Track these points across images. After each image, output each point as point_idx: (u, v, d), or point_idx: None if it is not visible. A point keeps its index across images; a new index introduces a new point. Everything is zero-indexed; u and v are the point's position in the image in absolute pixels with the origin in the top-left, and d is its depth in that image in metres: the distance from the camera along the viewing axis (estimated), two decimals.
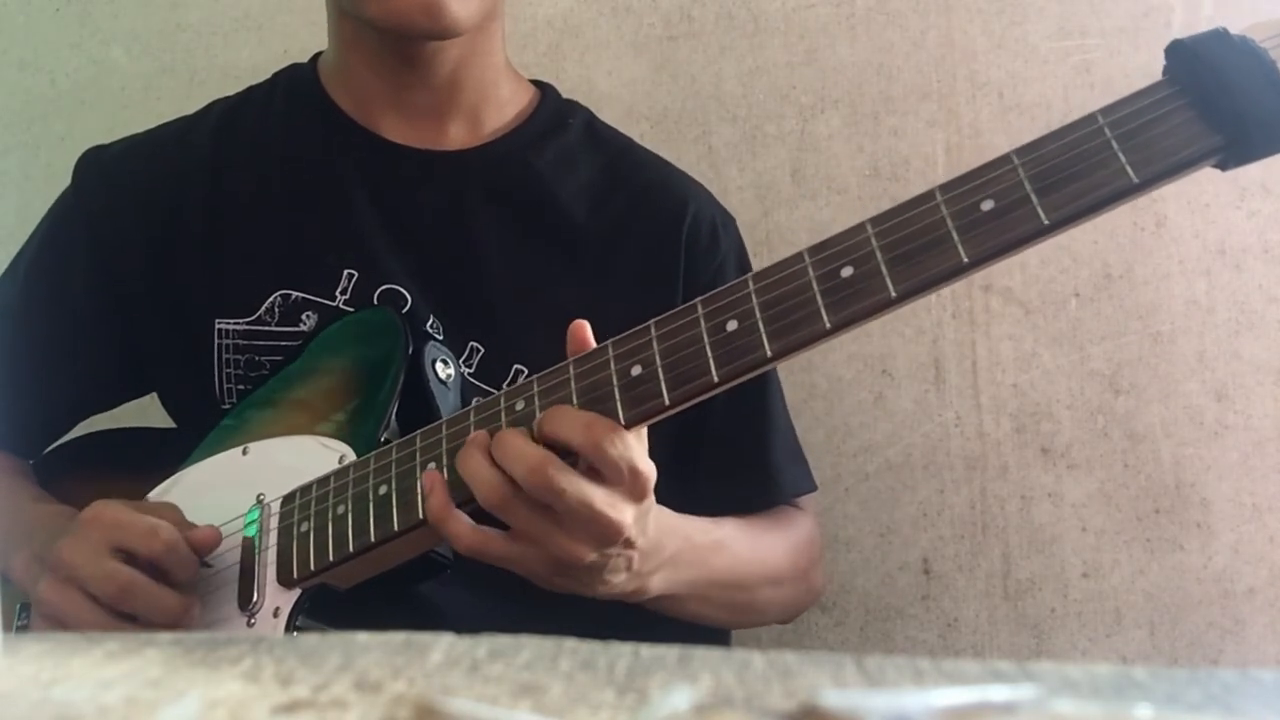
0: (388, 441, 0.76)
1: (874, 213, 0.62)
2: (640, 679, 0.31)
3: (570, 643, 0.34)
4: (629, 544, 0.69)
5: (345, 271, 0.90)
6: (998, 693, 0.30)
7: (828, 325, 0.61)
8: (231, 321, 0.91)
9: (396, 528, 0.72)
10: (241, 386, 0.91)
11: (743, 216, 1.11)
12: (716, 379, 0.64)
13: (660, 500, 0.72)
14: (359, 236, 0.91)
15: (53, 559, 0.74)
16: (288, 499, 0.79)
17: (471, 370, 0.89)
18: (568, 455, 0.66)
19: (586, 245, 0.93)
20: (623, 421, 0.66)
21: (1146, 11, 1.15)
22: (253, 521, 0.79)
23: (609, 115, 1.05)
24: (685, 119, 1.25)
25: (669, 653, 0.34)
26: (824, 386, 1.21)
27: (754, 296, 0.64)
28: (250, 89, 1.01)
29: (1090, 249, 1.16)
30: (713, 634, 0.97)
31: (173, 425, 0.99)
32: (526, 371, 0.88)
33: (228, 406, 0.90)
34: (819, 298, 0.61)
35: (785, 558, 0.92)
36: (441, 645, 0.34)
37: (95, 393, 0.99)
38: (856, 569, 1.20)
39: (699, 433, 0.90)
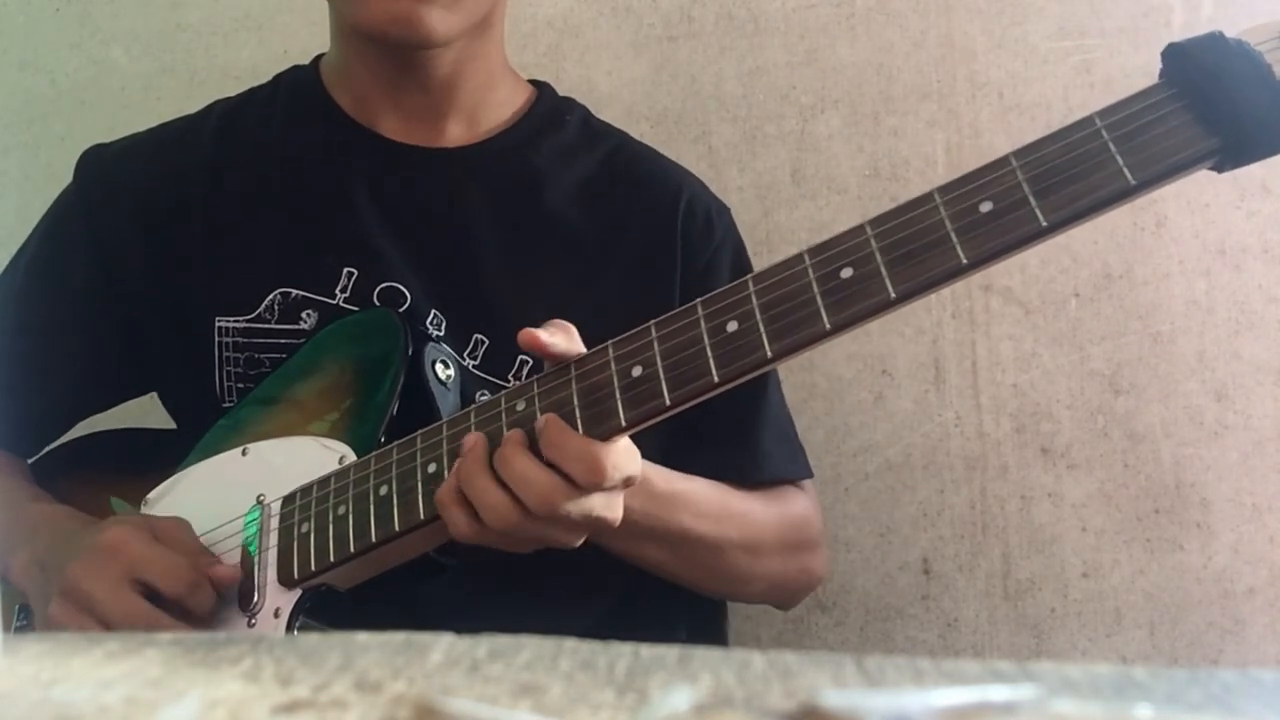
0: (388, 442, 0.76)
1: (874, 213, 0.62)
2: (640, 679, 0.31)
3: (570, 643, 0.34)
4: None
5: (345, 269, 0.90)
6: (998, 693, 0.30)
7: (828, 326, 0.61)
8: (231, 319, 0.91)
9: (397, 528, 0.72)
10: (241, 385, 0.91)
11: (743, 216, 1.11)
12: (717, 379, 0.64)
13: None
14: (359, 234, 0.92)
15: (68, 584, 0.74)
16: (288, 500, 0.79)
17: (477, 362, 0.90)
18: None
19: (584, 237, 0.94)
20: (623, 423, 0.66)
21: (1146, 11, 1.15)
22: (253, 522, 0.79)
23: (609, 115, 1.05)
24: (685, 119, 1.25)
25: (669, 653, 0.34)
26: (824, 386, 1.21)
27: (754, 297, 0.64)
28: (252, 90, 1.01)
29: (1090, 249, 1.16)
30: (712, 634, 0.97)
31: (172, 427, 0.99)
32: (531, 362, 0.89)
33: (228, 405, 0.91)
34: (819, 299, 0.62)
35: (766, 527, 0.91)
36: (441, 645, 0.34)
37: (95, 391, 0.99)
38: (856, 569, 1.20)
39: (694, 413, 0.89)
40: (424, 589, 0.81)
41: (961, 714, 0.29)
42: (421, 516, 0.71)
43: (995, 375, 1.18)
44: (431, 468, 0.72)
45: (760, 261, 1.12)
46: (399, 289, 0.90)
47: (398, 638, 0.35)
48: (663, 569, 0.86)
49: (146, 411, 1.04)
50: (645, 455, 0.73)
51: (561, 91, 1.03)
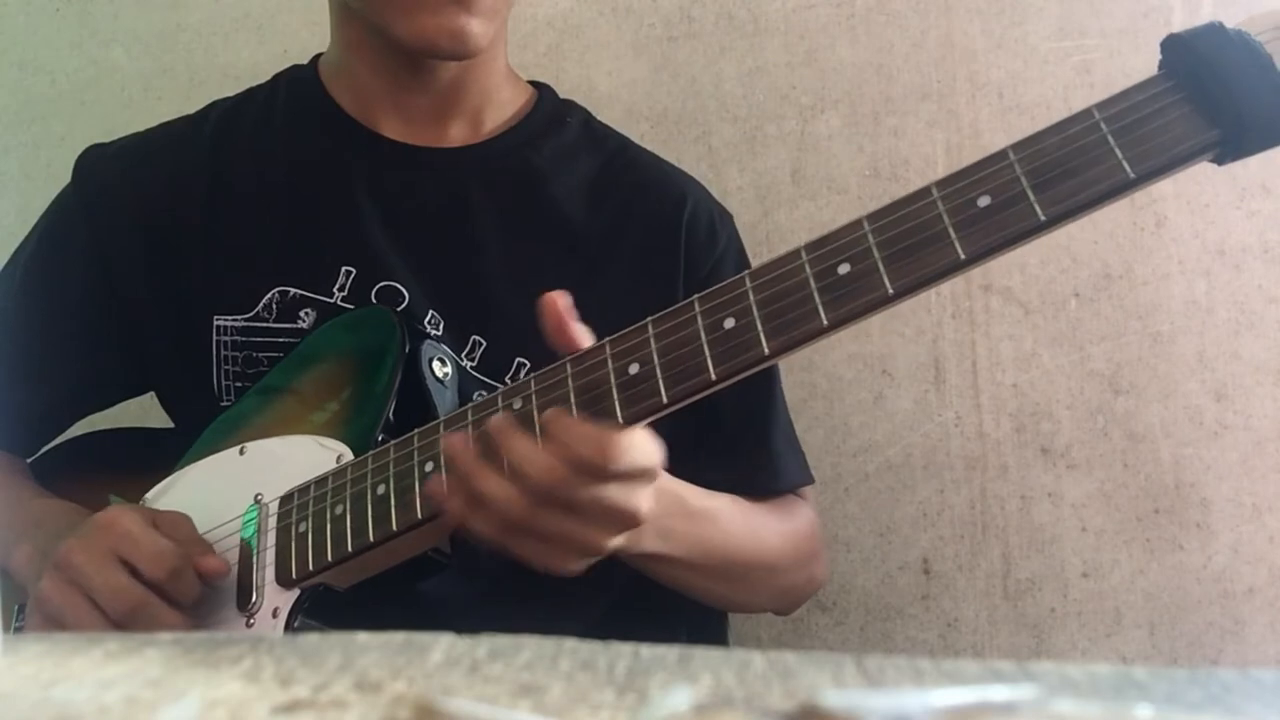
0: (385, 441, 0.76)
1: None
2: (640, 679, 0.31)
3: (570, 643, 0.34)
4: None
5: (343, 268, 0.90)
6: (998, 693, 0.29)
7: (825, 323, 0.61)
8: (229, 318, 0.91)
9: (395, 528, 0.72)
10: (239, 383, 0.91)
11: (743, 216, 1.11)
12: (714, 377, 0.63)
13: None
14: (357, 233, 0.92)
15: (59, 558, 0.74)
16: (285, 499, 0.79)
17: (474, 363, 0.90)
18: None
19: (586, 240, 0.94)
20: (620, 420, 0.66)
21: (1146, 12, 1.15)
22: (250, 521, 0.79)
23: (609, 115, 1.05)
24: (685, 119, 1.25)
25: (669, 653, 0.34)
26: (824, 386, 1.21)
27: (751, 294, 0.64)
28: (251, 90, 1.01)
29: (1090, 249, 1.16)
30: (712, 634, 0.97)
31: (170, 426, 0.99)
32: (528, 364, 0.89)
33: (226, 403, 0.91)
34: (816, 295, 0.61)
35: (783, 544, 0.92)
36: (441, 645, 0.34)
37: (93, 390, 0.99)
38: (856, 569, 1.20)
39: (703, 417, 0.90)
40: (423, 588, 0.80)
41: (961, 714, 0.29)
42: (419, 516, 0.71)
43: (995, 375, 1.18)
44: (429, 467, 0.72)
45: (760, 262, 1.12)
46: (397, 288, 0.90)
47: (398, 638, 0.35)
48: (692, 587, 0.85)
49: (145, 411, 1.04)
50: None
51: (562, 91, 1.03)
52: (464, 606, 0.84)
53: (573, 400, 0.67)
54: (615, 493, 0.66)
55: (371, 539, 0.73)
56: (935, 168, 1.19)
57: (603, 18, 1.28)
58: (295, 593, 0.76)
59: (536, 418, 0.68)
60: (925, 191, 0.60)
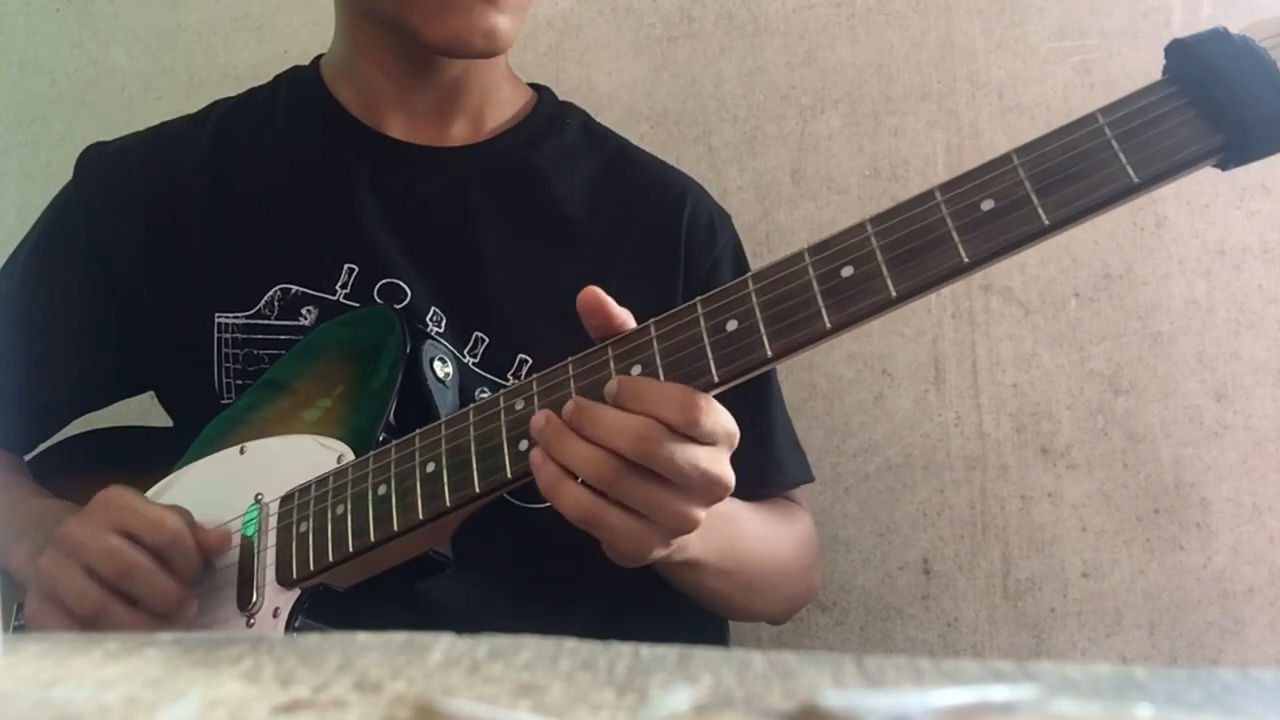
0: (386, 441, 0.76)
1: (874, 213, 0.62)
2: (640, 679, 0.31)
3: (570, 643, 0.34)
4: None
5: (346, 265, 0.91)
6: (998, 693, 0.29)
7: (828, 325, 0.61)
8: (231, 315, 0.91)
9: (396, 528, 0.72)
10: (240, 381, 0.91)
11: (743, 216, 1.11)
12: (717, 379, 0.64)
13: None
14: (360, 231, 0.92)
15: (59, 534, 0.74)
16: (286, 499, 0.79)
17: (476, 360, 0.90)
18: None
19: (586, 238, 0.94)
20: None
21: (1146, 12, 1.15)
22: (251, 521, 0.79)
23: (609, 115, 1.05)
24: (685, 119, 1.25)
25: (669, 653, 0.34)
26: (824, 386, 1.21)
27: (754, 296, 0.64)
28: (252, 90, 1.02)
29: (1090, 249, 1.16)
30: (713, 634, 0.98)
31: (168, 425, 0.99)
32: (531, 361, 0.89)
33: (227, 401, 0.91)
34: (819, 298, 0.61)
35: (793, 548, 0.93)
36: (441, 645, 0.34)
37: (93, 388, 0.99)
38: (856, 569, 1.20)
39: None
40: (424, 588, 0.80)
41: (961, 714, 0.29)
42: (420, 517, 0.71)
43: (995, 375, 1.18)
44: (430, 467, 0.72)
45: (760, 262, 1.12)
46: (399, 285, 0.90)
47: (398, 638, 0.35)
48: (715, 595, 0.84)
49: (145, 410, 1.04)
50: None
51: (561, 92, 1.03)
52: (464, 607, 0.84)
53: None
54: (705, 456, 0.64)
55: (372, 539, 0.73)
56: (935, 168, 1.19)
57: (603, 18, 1.28)
58: (296, 593, 0.76)
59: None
60: (929, 195, 0.60)
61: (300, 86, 0.99)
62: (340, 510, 0.75)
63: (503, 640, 0.34)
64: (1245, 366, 1.13)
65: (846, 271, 0.61)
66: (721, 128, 1.24)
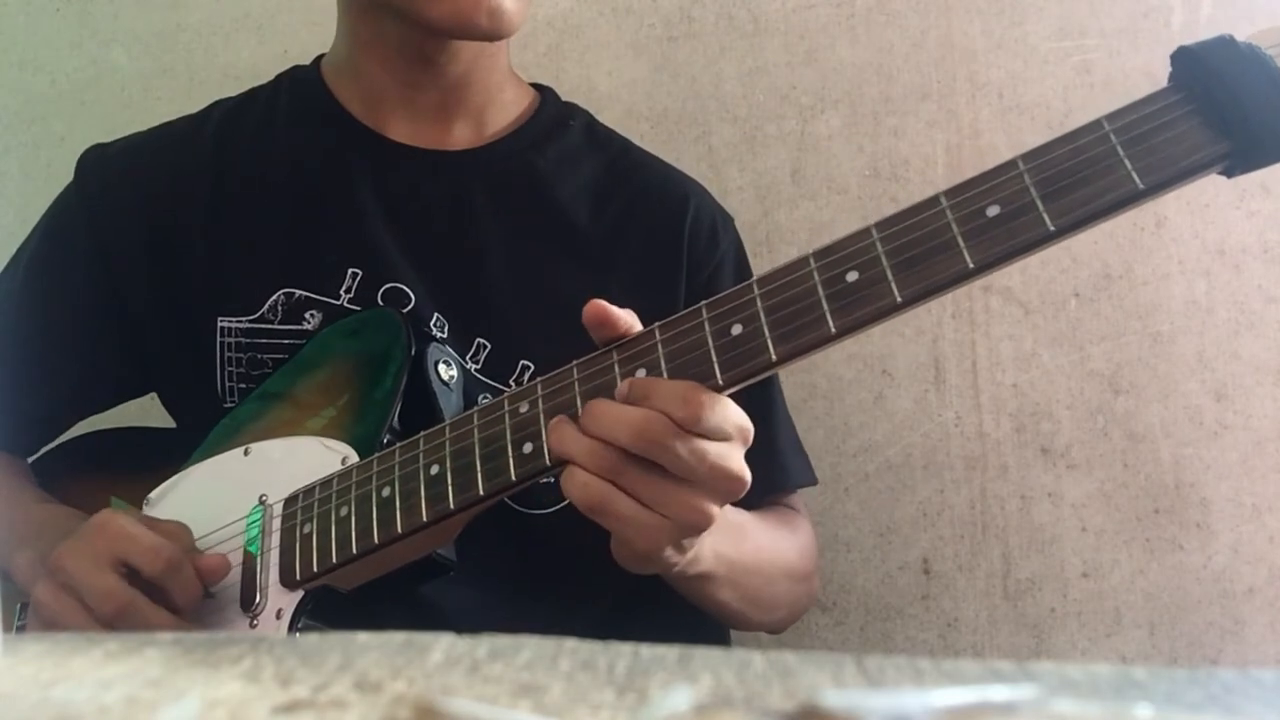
0: (390, 443, 0.76)
1: (874, 213, 0.62)
2: (640, 679, 0.31)
3: (570, 643, 0.34)
4: None
5: (349, 270, 0.90)
6: (998, 693, 0.29)
7: (833, 330, 0.61)
8: (234, 319, 0.91)
9: (400, 530, 0.72)
10: (243, 385, 0.91)
11: (743, 216, 1.11)
12: (721, 383, 0.64)
13: None
14: (363, 235, 0.92)
15: (53, 563, 0.73)
16: (290, 501, 0.79)
17: (478, 366, 0.90)
18: None
19: (589, 242, 0.94)
20: None
21: (1146, 12, 1.14)
22: (255, 523, 0.79)
23: (609, 115, 1.05)
24: (685, 119, 1.25)
25: (669, 653, 0.34)
26: (824, 386, 1.21)
27: (759, 301, 0.64)
28: (253, 90, 1.01)
29: (1090, 249, 1.16)
30: (712, 634, 0.98)
31: (172, 426, 0.99)
32: (533, 367, 0.89)
33: (229, 405, 0.90)
34: (824, 302, 0.61)
35: (798, 559, 0.92)
36: (441, 645, 0.34)
37: (95, 390, 0.99)
38: (856, 569, 1.20)
39: None
40: (426, 590, 0.80)
41: (961, 714, 0.29)
42: (424, 519, 0.71)
43: (995, 375, 1.18)
44: (434, 469, 0.72)
45: (760, 262, 1.13)
46: (403, 290, 0.90)
47: (398, 638, 0.35)
48: (724, 606, 0.84)
49: (146, 411, 1.04)
50: None
51: (562, 92, 1.03)
52: (466, 609, 0.84)
53: (579, 406, 0.67)
54: (713, 450, 0.63)
55: (376, 541, 0.73)
56: (935, 168, 1.19)
57: (603, 18, 1.28)
58: (299, 594, 0.76)
59: (544, 421, 0.67)
60: (934, 200, 0.60)
61: (301, 87, 0.99)
62: (344, 512, 0.75)
63: (503, 640, 0.34)
64: (1245, 366, 1.13)
65: (852, 276, 0.61)
66: (721, 128, 1.24)
